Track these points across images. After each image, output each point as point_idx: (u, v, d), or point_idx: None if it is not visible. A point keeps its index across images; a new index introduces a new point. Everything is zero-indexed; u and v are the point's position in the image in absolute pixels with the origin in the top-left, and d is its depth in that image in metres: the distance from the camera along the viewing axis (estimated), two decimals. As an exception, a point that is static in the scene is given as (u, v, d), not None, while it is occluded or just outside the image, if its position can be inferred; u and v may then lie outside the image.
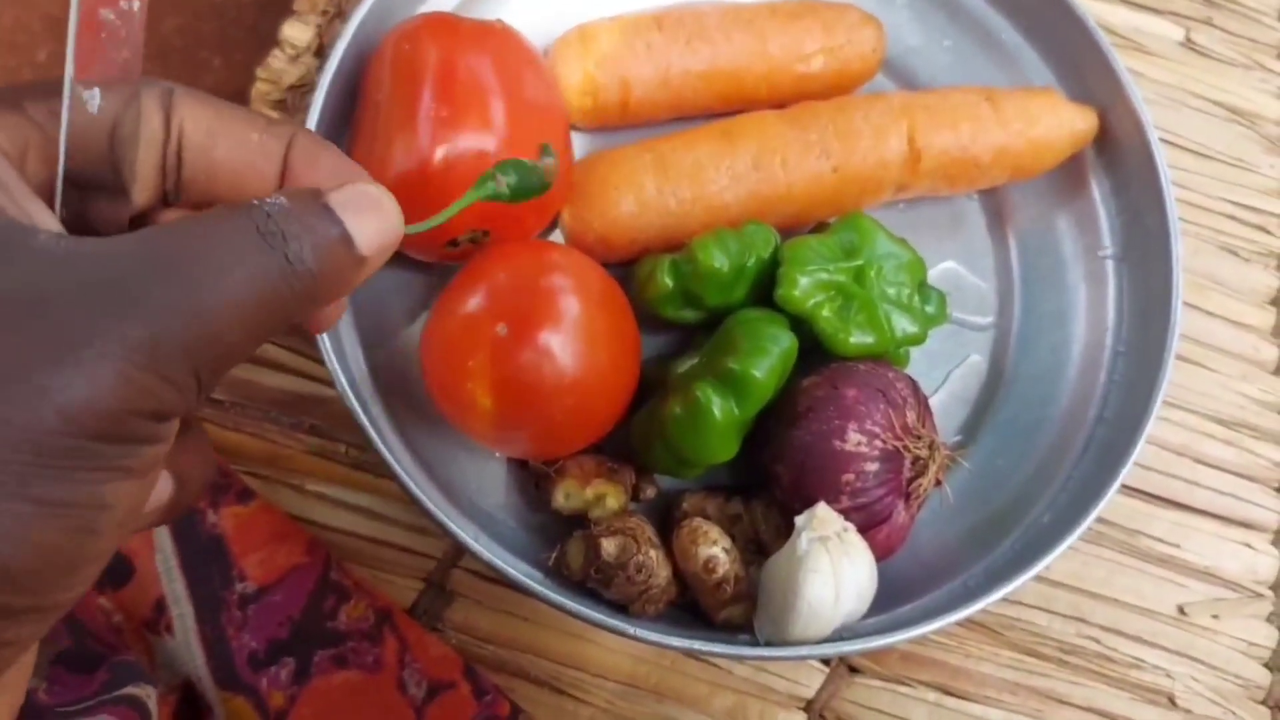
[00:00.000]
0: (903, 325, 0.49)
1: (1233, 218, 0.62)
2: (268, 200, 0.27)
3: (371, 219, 0.29)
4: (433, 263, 0.53)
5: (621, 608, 0.47)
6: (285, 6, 0.63)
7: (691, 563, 0.46)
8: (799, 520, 0.45)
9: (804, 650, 0.45)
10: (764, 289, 0.49)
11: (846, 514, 0.45)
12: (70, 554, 0.24)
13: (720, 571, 0.46)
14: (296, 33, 0.60)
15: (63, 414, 0.23)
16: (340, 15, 0.60)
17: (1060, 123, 0.53)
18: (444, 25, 0.49)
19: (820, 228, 0.53)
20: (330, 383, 0.46)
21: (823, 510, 0.45)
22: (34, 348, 0.23)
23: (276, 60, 0.59)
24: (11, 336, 0.23)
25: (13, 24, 0.80)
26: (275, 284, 0.26)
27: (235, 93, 0.68)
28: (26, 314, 0.23)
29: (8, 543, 0.23)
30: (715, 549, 0.46)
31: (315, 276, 0.27)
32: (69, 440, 0.23)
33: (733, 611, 0.47)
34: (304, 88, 0.59)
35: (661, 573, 0.46)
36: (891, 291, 0.49)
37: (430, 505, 0.45)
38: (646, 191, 0.51)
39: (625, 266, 0.53)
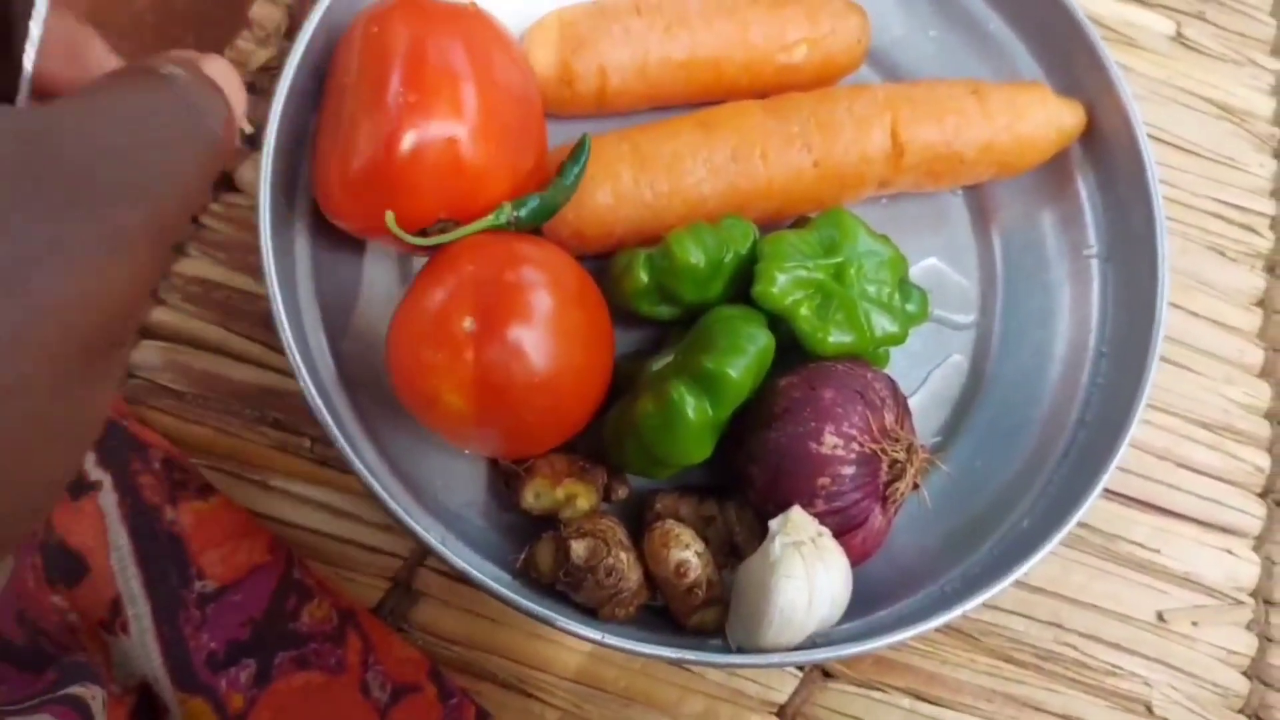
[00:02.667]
0: (883, 324, 0.48)
1: (1220, 217, 0.61)
2: (170, 67, 0.26)
3: (237, 92, 0.29)
4: (401, 252, 0.52)
5: (591, 611, 0.46)
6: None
7: (662, 567, 0.45)
8: (773, 524, 0.44)
9: (776, 658, 0.44)
10: (742, 285, 0.48)
11: (822, 518, 0.44)
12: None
13: (691, 576, 0.45)
14: (266, 13, 0.58)
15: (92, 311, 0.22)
16: (310, -4, 0.58)
17: (1048, 118, 0.52)
18: (414, 7, 0.47)
19: (800, 222, 0.51)
20: (294, 374, 0.45)
21: (797, 514, 0.44)
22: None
23: (245, 41, 0.58)
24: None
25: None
26: (206, 158, 0.26)
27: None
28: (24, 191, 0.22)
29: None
30: (687, 553, 0.45)
31: (224, 149, 0.27)
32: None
33: (705, 616, 0.46)
34: (273, 70, 0.57)
35: (632, 576, 0.45)
36: (872, 290, 0.48)
37: (394, 504, 0.43)
38: (623, 182, 0.49)
39: (600, 260, 0.51)
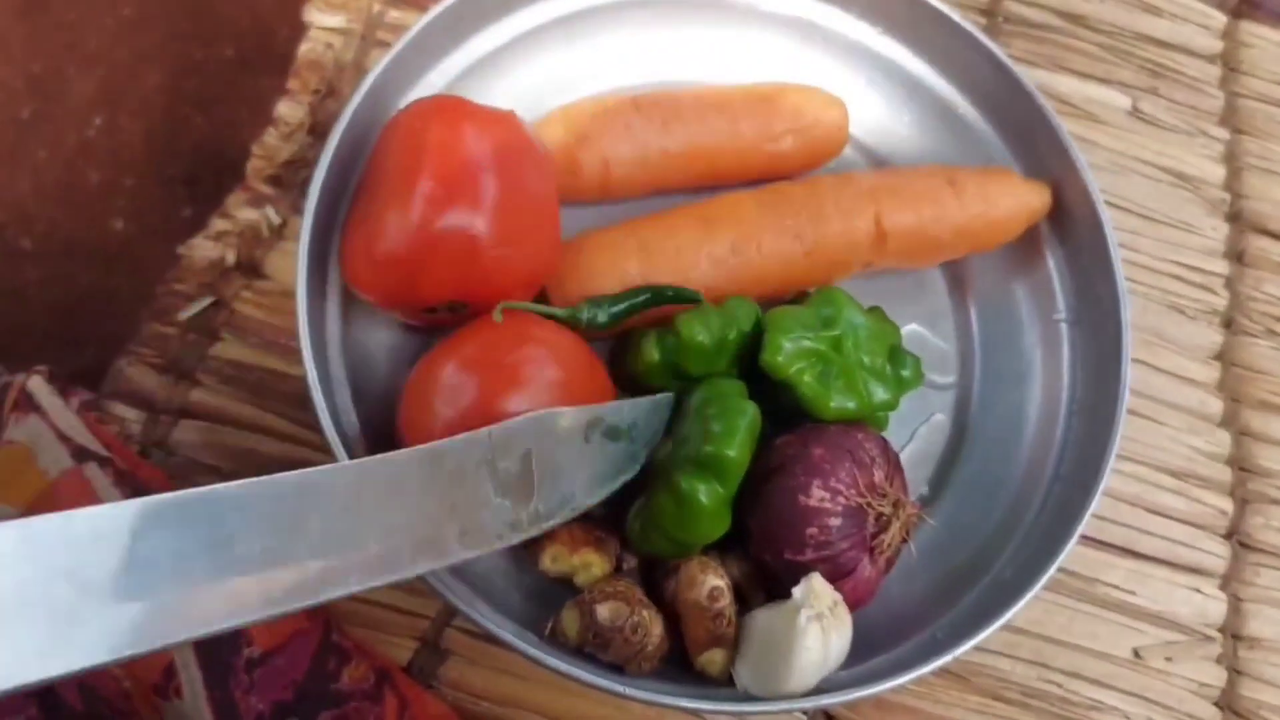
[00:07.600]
0: (877, 393, 0.52)
1: (1179, 278, 0.66)
2: None
3: None
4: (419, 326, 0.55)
5: (618, 667, 0.49)
6: (267, 64, 0.66)
7: (696, 590, 0.48)
8: (797, 594, 0.46)
9: (784, 704, 0.47)
10: (746, 358, 0.52)
11: (812, 565, 0.48)
12: None
13: (722, 601, 0.48)
14: (290, 111, 0.62)
15: None
16: (331, 94, 0.62)
17: (1017, 202, 0.57)
18: (455, 108, 0.51)
19: (800, 297, 0.56)
20: (324, 449, 0.48)
21: (818, 583, 0.47)
22: None
23: (271, 137, 0.62)
24: None
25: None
26: None
27: (217, 149, 0.70)
28: None
29: None
30: (722, 581, 0.48)
31: None
32: None
33: (713, 655, 0.49)
34: (297, 164, 0.61)
35: (655, 630, 0.48)
36: (866, 360, 0.52)
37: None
38: (630, 276, 0.53)
39: (610, 339, 0.55)
